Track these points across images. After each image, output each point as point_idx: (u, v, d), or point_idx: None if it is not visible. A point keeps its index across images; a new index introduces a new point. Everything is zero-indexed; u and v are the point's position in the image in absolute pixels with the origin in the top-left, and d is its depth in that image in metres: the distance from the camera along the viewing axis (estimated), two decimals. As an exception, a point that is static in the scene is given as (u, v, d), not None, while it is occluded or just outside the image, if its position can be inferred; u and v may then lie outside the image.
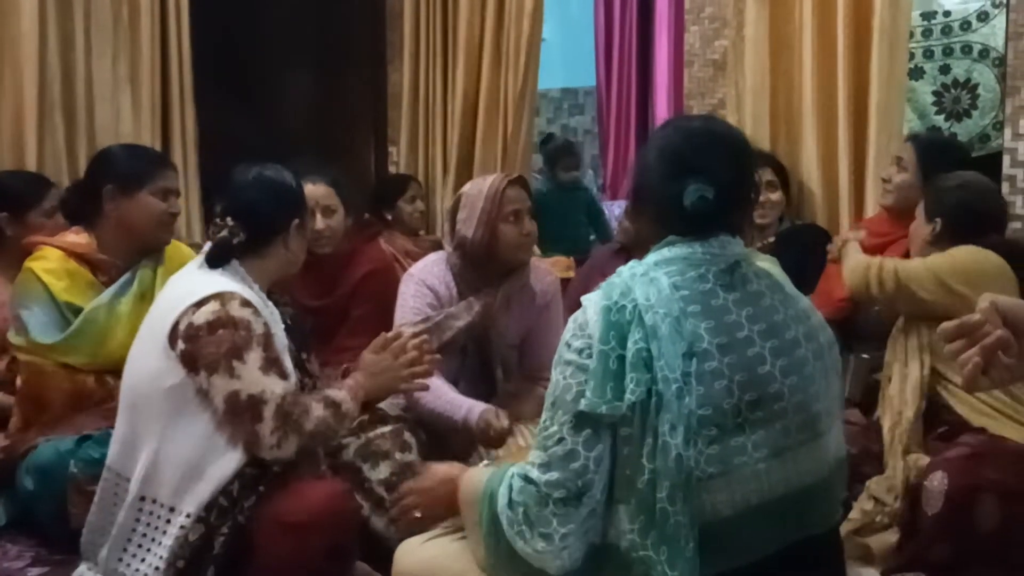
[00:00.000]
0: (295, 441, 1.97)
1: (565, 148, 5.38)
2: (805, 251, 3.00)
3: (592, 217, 5.25)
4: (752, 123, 3.42)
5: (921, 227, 2.55)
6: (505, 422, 2.38)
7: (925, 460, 2.29)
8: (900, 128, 3.28)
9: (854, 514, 2.31)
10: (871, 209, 3.22)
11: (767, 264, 1.62)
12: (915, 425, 2.39)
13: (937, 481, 2.11)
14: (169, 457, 2.00)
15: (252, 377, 1.96)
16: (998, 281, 2.31)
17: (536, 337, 2.68)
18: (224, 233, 2.08)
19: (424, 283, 2.62)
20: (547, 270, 2.84)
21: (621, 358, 1.40)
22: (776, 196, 3.24)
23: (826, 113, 3.33)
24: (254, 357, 1.97)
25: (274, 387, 1.97)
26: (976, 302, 1.17)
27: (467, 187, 2.66)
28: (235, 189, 2.14)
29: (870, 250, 2.75)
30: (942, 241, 2.47)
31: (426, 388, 2.24)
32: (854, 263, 2.61)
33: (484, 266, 2.59)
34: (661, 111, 6.27)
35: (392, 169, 4.56)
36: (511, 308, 2.64)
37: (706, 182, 1.48)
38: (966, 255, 2.40)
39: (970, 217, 2.45)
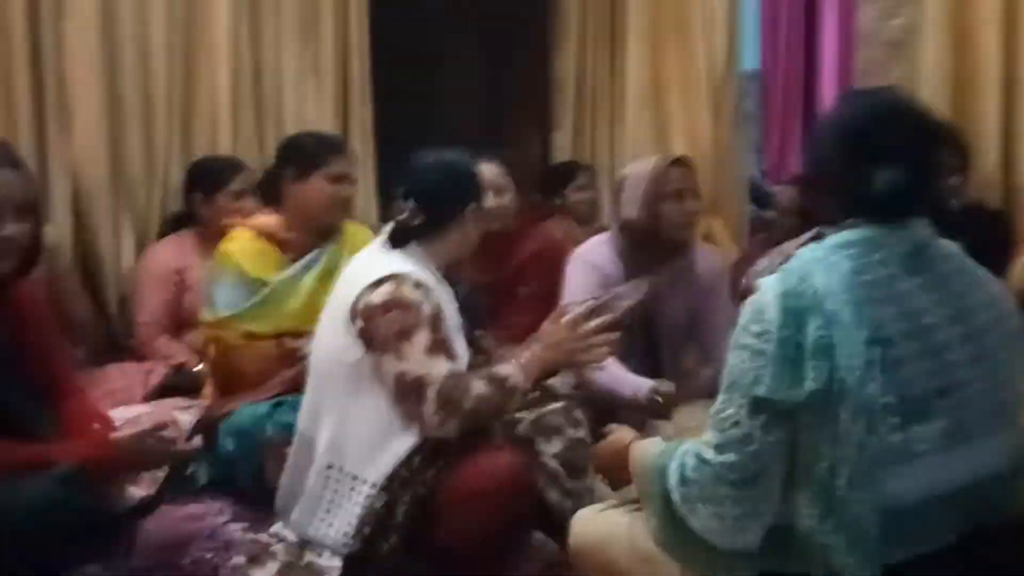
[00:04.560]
0: (457, 421, 2.02)
1: None
2: (979, 233, 2.88)
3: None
4: (929, 99, 3.30)
5: None
6: (671, 387, 2.41)
7: None
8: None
9: None
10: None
11: (952, 247, 1.58)
12: None
13: None
14: (352, 429, 2.10)
15: (418, 358, 2.02)
16: None
17: (704, 319, 2.69)
18: (405, 215, 2.17)
19: (591, 263, 2.66)
20: (712, 251, 2.84)
21: (800, 345, 1.38)
22: (954, 181, 3.08)
23: (1013, 99, 3.17)
24: (421, 339, 2.03)
25: (439, 369, 2.02)
26: None
27: (629, 168, 2.70)
28: (417, 173, 2.21)
29: None
30: None
31: (602, 365, 2.26)
32: None
33: (648, 246, 2.62)
34: (829, 94, 6.10)
35: (556, 156, 4.60)
36: (677, 289, 2.65)
37: (897, 165, 1.43)
38: None
39: None
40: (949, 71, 3.30)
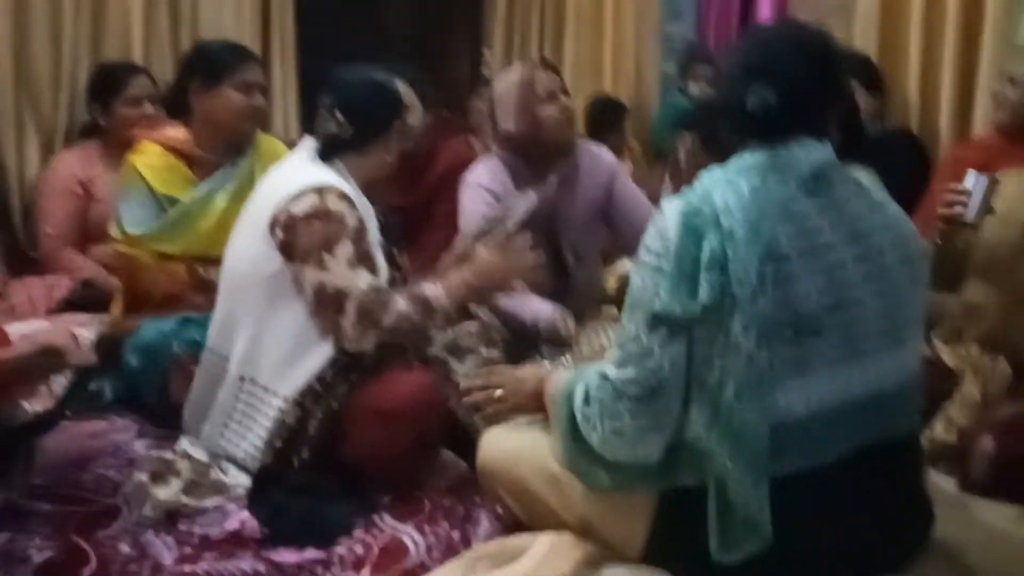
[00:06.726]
0: (374, 335, 2.01)
1: (701, 56, 5.15)
2: (893, 159, 2.81)
3: None
4: (860, 29, 3.35)
5: None
6: (570, 328, 2.41)
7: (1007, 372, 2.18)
8: (1019, 40, 3.15)
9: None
10: (980, 125, 3.12)
11: (860, 173, 1.59)
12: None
13: (986, 446, 1.95)
14: (267, 341, 2.08)
15: (340, 270, 2.01)
16: None
17: (619, 209, 2.67)
18: (333, 128, 2.14)
19: (481, 186, 2.62)
20: (598, 148, 2.79)
21: (697, 260, 1.40)
22: (867, 108, 3.07)
23: (934, 21, 3.23)
24: (344, 250, 2.02)
25: (360, 281, 2.01)
26: None
27: (496, 83, 2.64)
28: (346, 88, 2.18)
29: (977, 166, 2.65)
30: None
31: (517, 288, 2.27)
32: None
33: (533, 154, 2.57)
34: (764, 17, 6.05)
35: (485, 72, 4.53)
36: (573, 190, 2.61)
37: (769, 84, 1.46)
38: None
39: None
40: (877, 5, 3.33)
